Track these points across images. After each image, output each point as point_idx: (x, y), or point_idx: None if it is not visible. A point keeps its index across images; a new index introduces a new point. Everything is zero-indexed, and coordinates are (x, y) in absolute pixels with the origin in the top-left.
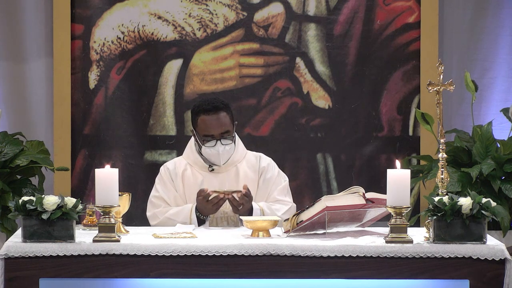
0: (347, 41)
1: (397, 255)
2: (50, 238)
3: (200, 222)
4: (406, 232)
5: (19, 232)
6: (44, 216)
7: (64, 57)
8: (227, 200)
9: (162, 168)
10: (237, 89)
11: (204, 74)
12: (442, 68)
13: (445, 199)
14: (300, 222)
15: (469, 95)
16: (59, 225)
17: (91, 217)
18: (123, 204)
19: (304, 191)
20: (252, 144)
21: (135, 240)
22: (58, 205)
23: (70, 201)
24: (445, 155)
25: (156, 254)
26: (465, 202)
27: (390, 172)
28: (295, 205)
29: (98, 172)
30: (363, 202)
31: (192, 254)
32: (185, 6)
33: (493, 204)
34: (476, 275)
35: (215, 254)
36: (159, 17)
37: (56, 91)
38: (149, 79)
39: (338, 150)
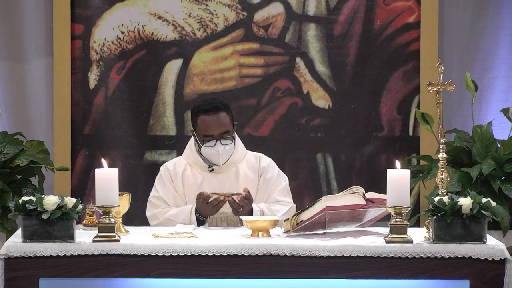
0: (347, 41)
1: (397, 255)
2: (50, 238)
3: (200, 223)
4: (406, 232)
5: (19, 232)
6: (44, 216)
7: (64, 57)
8: (227, 201)
9: (161, 168)
10: (237, 89)
11: (204, 74)
12: (442, 68)
13: (445, 199)
14: (300, 222)
15: (469, 95)
16: (59, 225)
17: (91, 217)
18: (123, 204)
19: (304, 191)
20: (252, 144)
21: (135, 240)
22: (58, 205)
23: (70, 201)
24: (445, 155)
25: (156, 254)
26: (465, 202)
27: (390, 172)
28: (295, 205)
29: (98, 172)
30: (363, 202)
31: (192, 254)
32: (185, 6)
33: (493, 204)
34: (476, 275)
35: (215, 254)
36: (159, 17)
37: (56, 91)
38: (149, 79)
39: (338, 150)
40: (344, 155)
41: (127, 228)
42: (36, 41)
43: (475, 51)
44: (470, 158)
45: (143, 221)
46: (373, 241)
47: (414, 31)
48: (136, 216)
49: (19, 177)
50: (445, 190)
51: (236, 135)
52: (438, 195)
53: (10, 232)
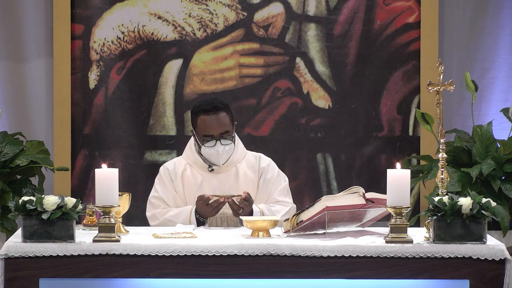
0: (347, 41)
1: (397, 255)
2: (50, 238)
3: (200, 224)
4: (406, 232)
5: (19, 232)
6: (44, 216)
7: (64, 57)
8: (227, 202)
9: (161, 169)
10: (237, 89)
11: (204, 74)
12: (442, 68)
13: (445, 199)
14: (300, 222)
15: (469, 95)
16: (59, 225)
17: (91, 217)
18: (123, 204)
19: (304, 191)
20: (252, 144)
21: (135, 240)
22: (58, 205)
23: (70, 201)
24: (445, 155)
25: (156, 254)
26: (465, 202)
27: (390, 172)
28: (295, 205)
29: (98, 172)
30: (363, 202)
31: (192, 254)
32: (185, 6)
33: (493, 204)
34: (476, 275)
35: (215, 254)
36: (159, 17)
37: (56, 91)
38: (149, 79)
39: (338, 150)
40: (344, 155)
41: (127, 228)
42: (36, 41)
43: (475, 51)
44: (470, 158)
45: (143, 221)
46: (373, 241)
47: (414, 31)
48: (136, 216)
49: (19, 177)
50: (445, 190)
51: (236, 135)
52: (438, 195)
53: (10, 232)
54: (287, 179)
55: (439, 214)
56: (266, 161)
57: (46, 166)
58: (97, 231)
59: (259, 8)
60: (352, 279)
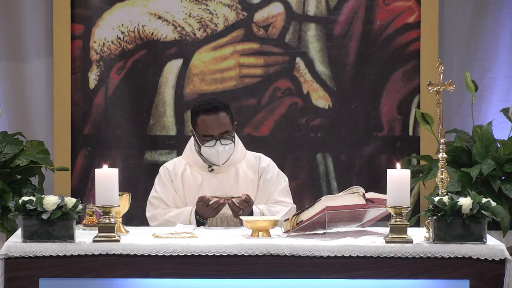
0: (347, 41)
1: (397, 255)
2: (50, 238)
3: (200, 225)
4: (406, 232)
5: (19, 232)
6: (44, 216)
7: (64, 57)
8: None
9: (161, 169)
10: (237, 89)
11: (204, 74)
12: (442, 68)
13: (445, 199)
14: (300, 222)
15: (469, 95)
16: (59, 225)
17: (91, 217)
18: (123, 204)
19: (304, 191)
20: (252, 144)
21: (135, 240)
22: (58, 205)
23: (70, 201)
24: (445, 155)
25: (156, 254)
26: (465, 202)
27: (390, 172)
28: (295, 206)
29: (98, 172)
30: (363, 202)
31: (192, 254)
32: (185, 6)
33: (493, 204)
34: (476, 275)
35: (215, 254)
36: (159, 17)
37: (56, 91)
38: (149, 79)
39: (338, 150)
40: (344, 155)
41: (127, 228)
42: (36, 41)
43: (475, 51)
44: (470, 158)
45: (143, 221)
46: (373, 241)
47: (414, 31)
48: (136, 216)
49: (19, 177)
50: (445, 190)
51: (236, 135)
52: (438, 195)
53: (10, 232)
54: (287, 179)
55: (439, 214)
56: (266, 161)
57: (46, 166)
58: (97, 231)
59: (259, 8)
60: (352, 279)
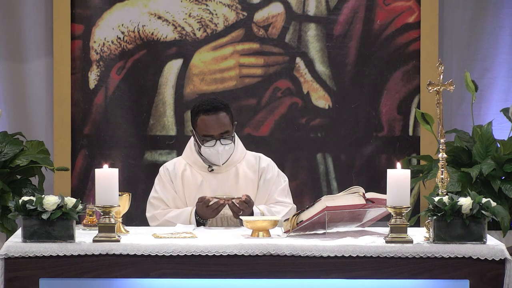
0: (347, 41)
1: (397, 255)
2: (50, 238)
3: (200, 226)
4: (406, 232)
5: (19, 232)
6: (44, 216)
7: (64, 57)
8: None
9: (161, 169)
10: (237, 89)
11: (204, 74)
12: (442, 68)
13: (445, 199)
14: (300, 222)
15: (469, 95)
16: (59, 225)
17: (91, 217)
18: (123, 204)
19: (304, 191)
20: (252, 144)
21: (135, 240)
22: (58, 205)
23: (70, 201)
24: (445, 155)
25: (156, 254)
26: (465, 202)
27: (390, 172)
28: (295, 206)
29: (98, 172)
30: (363, 202)
31: (192, 254)
32: (185, 6)
33: (493, 204)
34: (476, 275)
35: (215, 254)
36: (159, 17)
37: (56, 91)
38: (149, 79)
39: (338, 150)
40: (344, 155)
41: (127, 228)
42: (36, 41)
43: (475, 51)
44: (470, 158)
45: (143, 221)
46: (373, 241)
47: (414, 31)
48: (136, 216)
49: (19, 177)
50: (445, 190)
51: (235, 135)
52: (438, 195)
53: (10, 232)
54: (287, 179)
55: (439, 214)
56: (266, 161)
57: (46, 166)
58: (97, 231)
59: (259, 8)
60: (352, 279)
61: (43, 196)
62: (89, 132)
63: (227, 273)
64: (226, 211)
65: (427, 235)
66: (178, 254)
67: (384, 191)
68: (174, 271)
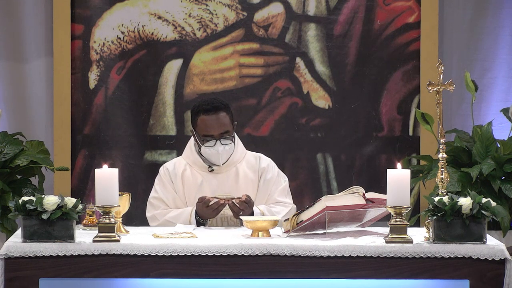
0: (347, 41)
1: (397, 255)
2: (50, 238)
3: (200, 226)
4: (406, 232)
5: (19, 232)
6: (44, 216)
7: (64, 57)
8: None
9: (161, 169)
10: (237, 89)
11: (204, 74)
12: (442, 68)
13: (445, 199)
14: (300, 222)
15: (469, 95)
16: (59, 225)
17: (91, 217)
18: (123, 204)
19: (304, 191)
20: (252, 144)
21: (135, 240)
22: (58, 205)
23: (70, 201)
24: (445, 155)
25: (156, 254)
26: (465, 202)
27: (390, 172)
28: (295, 206)
29: (98, 172)
30: (363, 202)
31: (192, 254)
32: (185, 6)
33: (493, 204)
34: (476, 275)
35: (215, 254)
36: (159, 17)
37: (56, 91)
38: (149, 79)
39: (338, 150)
40: (344, 155)
41: (127, 228)
42: (36, 41)
43: (475, 51)
44: (470, 158)
45: (143, 221)
46: (373, 241)
47: (414, 31)
48: (136, 216)
49: (19, 177)
50: (445, 190)
51: (236, 135)
52: (438, 195)
53: (10, 232)
54: (287, 179)
55: (439, 214)
56: (266, 161)
57: (46, 166)
58: (97, 231)
59: (259, 8)
60: (352, 279)
61: (43, 196)
62: (89, 132)
63: (227, 273)
64: (226, 211)
65: (427, 235)
66: (178, 254)
67: (384, 191)
68: (174, 271)
